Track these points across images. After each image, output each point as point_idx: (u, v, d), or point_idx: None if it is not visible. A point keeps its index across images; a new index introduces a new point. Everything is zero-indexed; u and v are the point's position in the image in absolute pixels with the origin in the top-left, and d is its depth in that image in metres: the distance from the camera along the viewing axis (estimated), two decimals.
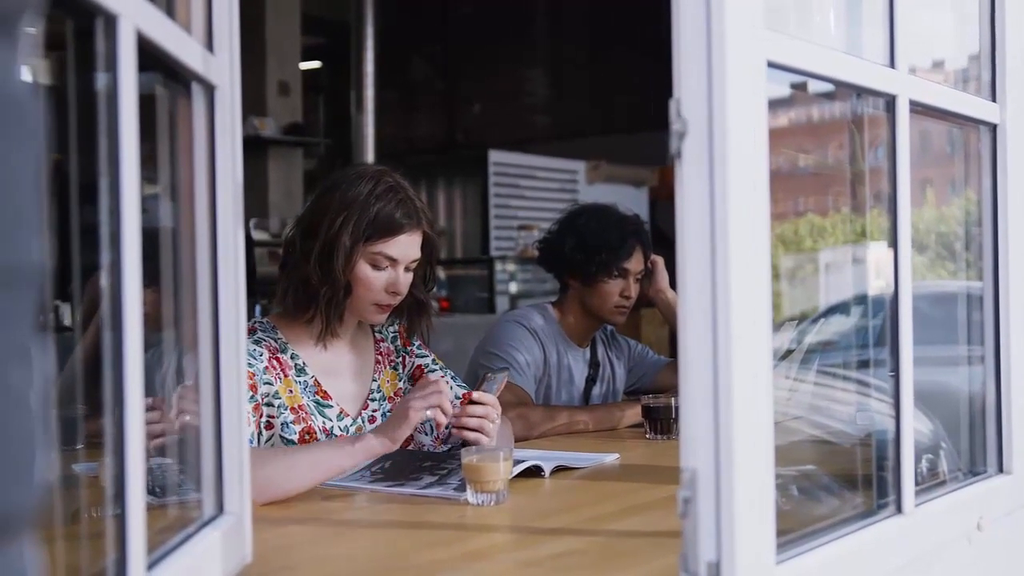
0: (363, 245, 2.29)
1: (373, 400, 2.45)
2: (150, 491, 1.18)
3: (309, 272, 2.28)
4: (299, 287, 2.32)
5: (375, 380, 2.47)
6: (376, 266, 2.31)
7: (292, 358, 2.34)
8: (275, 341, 2.34)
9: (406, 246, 2.33)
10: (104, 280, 1.08)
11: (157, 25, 1.17)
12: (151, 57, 1.17)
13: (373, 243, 2.30)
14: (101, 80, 1.07)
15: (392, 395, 2.49)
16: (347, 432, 2.35)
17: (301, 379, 2.33)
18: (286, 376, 2.30)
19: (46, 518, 0.66)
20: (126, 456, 1.06)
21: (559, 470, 2.30)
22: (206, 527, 1.39)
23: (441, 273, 8.11)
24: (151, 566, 1.15)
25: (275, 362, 2.30)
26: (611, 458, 2.47)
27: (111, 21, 1.05)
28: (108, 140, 1.06)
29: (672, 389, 3.07)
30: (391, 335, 2.56)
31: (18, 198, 0.60)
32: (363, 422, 2.40)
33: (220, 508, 1.45)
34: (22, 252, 0.61)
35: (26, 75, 0.63)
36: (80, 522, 1.33)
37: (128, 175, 1.07)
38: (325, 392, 2.35)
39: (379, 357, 2.50)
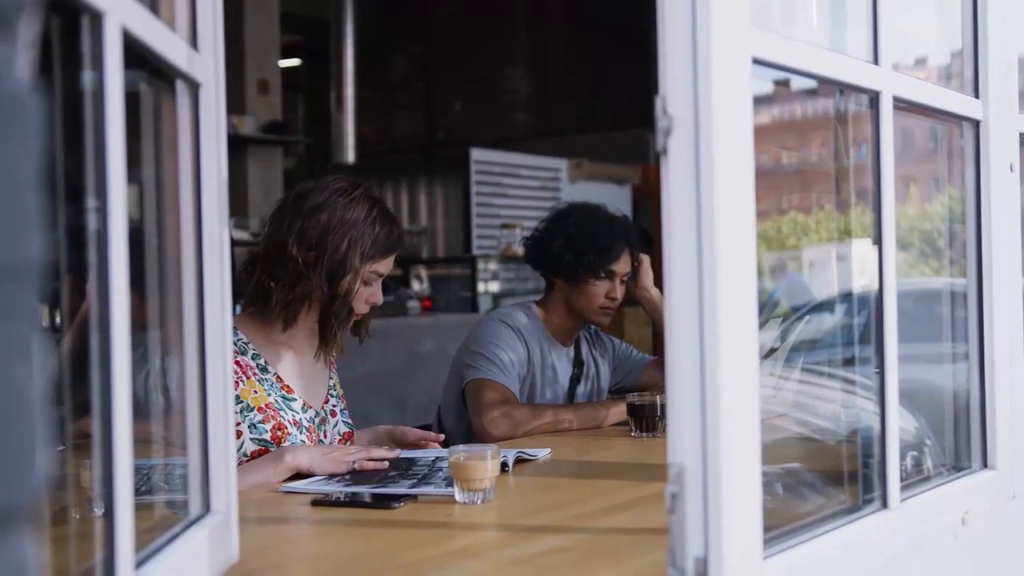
0: (366, 265, 2.42)
1: (332, 396, 2.58)
2: (136, 491, 1.18)
3: (313, 289, 2.39)
4: (299, 301, 2.40)
5: (331, 378, 2.61)
6: (367, 283, 2.44)
7: (253, 358, 2.42)
8: (234, 343, 2.36)
9: (392, 263, 2.50)
10: (89, 280, 1.08)
11: (143, 22, 1.17)
12: (135, 54, 1.17)
13: (372, 263, 2.43)
14: (86, 77, 1.07)
15: (341, 395, 2.64)
16: (313, 423, 2.46)
17: (266, 377, 2.41)
18: (249, 378, 2.38)
19: (38, 517, 0.66)
20: (114, 457, 1.06)
21: (519, 462, 2.36)
22: (193, 526, 1.39)
23: (423, 272, 8.11)
24: (138, 565, 1.15)
25: (236, 365, 2.34)
26: (544, 453, 2.51)
27: (97, 18, 1.04)
28: (94, 138, 1.06)
29: (657, 387, 3.08)
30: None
31: (19, 194, 0.60)
32: (326, 414, 2.53)
33: (207, 507, 1.44)
34: (24, 248, 0.61)
35: (24, 72, 0.63)
36: (66, 522, 1.33)
37: (115, 174, 1.06)
38: (288, 387, 2.45)
39: (332, 359, 2.62)
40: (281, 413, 2.38)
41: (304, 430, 2.41)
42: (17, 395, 0.61)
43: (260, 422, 2.35)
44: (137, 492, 1.16)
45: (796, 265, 2.24)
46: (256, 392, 2.37)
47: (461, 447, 2.05)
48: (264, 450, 2.32)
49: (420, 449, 2.52)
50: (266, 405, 2.37)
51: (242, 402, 2.33)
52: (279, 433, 2.36)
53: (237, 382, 2.33)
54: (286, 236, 2.38)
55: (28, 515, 0.63)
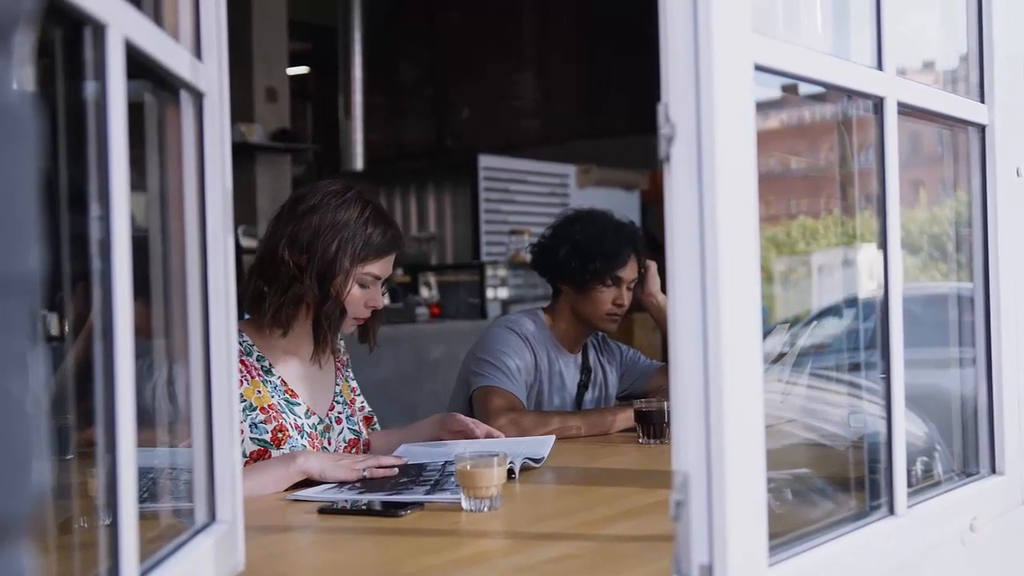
0: (358, 267, 2.40)
1: (338, 403, 2.57)
2: (141, 499, 1.18)
3: (305, 291, 2.38)
4: (292, 304, 2.40)
5: (337, 385, 2.60)
6: (363, 285, 2.44)
7: (258, 360, 2.43)
8: (240, 345, 2.39)
9: (390, 265, 2.49)
10: (94, 289, 1.08)
11: (145, 33, 1.17)
12: (139, 65, 1.17)
13: (365, 264, 2.42)
14: (89, 88, 1.07)
15: (349, 401, 2.62)
16: (315, 430, 2.46)
17: (270, 379, 2.42)
18: (253, 378, 2.39)
19: (39, 527, 0.66)
20: (118, 466, 1.06)
21: (525, 469, 2.36)
22: (198, 535, 1.39)
23: (432, 279, 8.11)
24: (143, 574, 1.15)
25: (240, 365, 2.36)
26: (550, 441, 2.55)
27: (99, 30, 1.05)
28: (97, 148, 1.06)
29: (664, 393, 3.07)
30: (341, 347, 2.68)
31: (15, 207, 0.60)
32: (331, 421, 2.52)
33: (212, 516, 1.44)
34: (20, 261, 0.61)
35: (21, 84, 0.63)
36: (73, 531, 1.33)
37: (117, 184, 1.06)
38: (292, 391, 2.45)
39: (338, 365, 2.62)
40: (283, 415, 2.39)
41: (305, 435, 2.41)
42: (14, 407, 0.61)
43: (262, 422, 2.35)
44: (141, 500, 1.17)
45: (805, 270, 2.24)
46: (260, 392, 2.38)
47: (467, 454, 2.05)
48: (263, 451, 2.33)
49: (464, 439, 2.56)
50: (269, 406, 2.37)
51: (245, 401, 2.34)
52: (279, 435, 2.36)
53: (241, 381, 2.34)
54: (278, 240, 2.40)
55: (26, 526, 0.63)
